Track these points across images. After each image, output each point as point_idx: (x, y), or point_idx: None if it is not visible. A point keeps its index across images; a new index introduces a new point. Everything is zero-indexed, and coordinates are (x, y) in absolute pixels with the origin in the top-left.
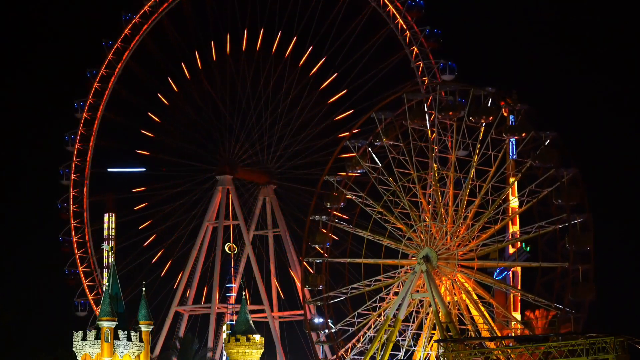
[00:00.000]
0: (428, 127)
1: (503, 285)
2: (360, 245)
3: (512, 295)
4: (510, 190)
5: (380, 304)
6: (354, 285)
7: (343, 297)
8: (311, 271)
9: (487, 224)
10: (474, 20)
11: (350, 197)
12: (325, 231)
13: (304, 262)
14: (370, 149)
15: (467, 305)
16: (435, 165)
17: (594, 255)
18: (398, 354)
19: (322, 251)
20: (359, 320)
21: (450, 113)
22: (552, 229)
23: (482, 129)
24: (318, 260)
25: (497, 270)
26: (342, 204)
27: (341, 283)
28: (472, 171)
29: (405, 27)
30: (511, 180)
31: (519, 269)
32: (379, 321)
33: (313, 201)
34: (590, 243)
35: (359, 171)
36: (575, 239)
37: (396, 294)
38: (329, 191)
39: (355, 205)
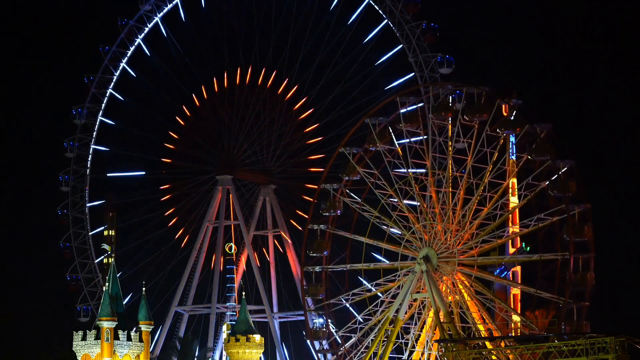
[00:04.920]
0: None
1: (504, 280)
2: (359, 251)
3: (512, 296)
4: (510, 188)
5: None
6: (355, 291)
7: (344, 304)
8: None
9: (486, 220)
10: (470, 14)
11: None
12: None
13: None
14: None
15: (467, 305)
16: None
17: (594, 244)
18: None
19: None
20: (361, 326)
21: (443, 113)
22: (550, 221)
23: (477, 126)
24: (317, 269)
25: (497, 270)
26: (340, 211)
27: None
28: (468, 168)
29: (402, 22)
30: (511, 179)
31: (519, 268)
32: (380, 319)
33: (310, 211)
34: (589, 232)
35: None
36: (574, 229)
37: (395, 296)
38: (326, 199)
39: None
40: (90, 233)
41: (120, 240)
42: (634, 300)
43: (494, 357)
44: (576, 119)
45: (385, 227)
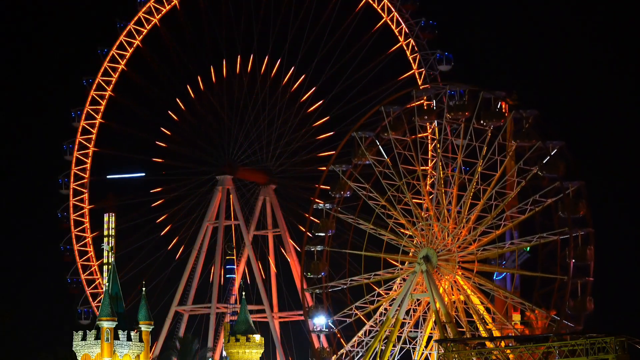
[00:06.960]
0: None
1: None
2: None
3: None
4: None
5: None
6: (357, 304)
7: (347, 322)
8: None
9: (483, 213)
10: (469, 12)
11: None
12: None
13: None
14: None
15: (466, 305)
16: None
17: (591, 219)
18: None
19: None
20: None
21: (426, 117)
22: (546, 203)
23: (463, 124)
24: (318, 291)
25: (496, 273)
26: (332, 230)
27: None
28: (459, 165)
29: (400, 20)
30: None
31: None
32: (380, 317)
33: (305, 233)
34: (586, 208)
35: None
36: (571, 206)
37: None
38: (321, 218)
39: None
40: (91, 236)
41: (120, 241)
42: (634, 300)
43: (493, 357)
44: (568, 110)
45: (383, 236)
